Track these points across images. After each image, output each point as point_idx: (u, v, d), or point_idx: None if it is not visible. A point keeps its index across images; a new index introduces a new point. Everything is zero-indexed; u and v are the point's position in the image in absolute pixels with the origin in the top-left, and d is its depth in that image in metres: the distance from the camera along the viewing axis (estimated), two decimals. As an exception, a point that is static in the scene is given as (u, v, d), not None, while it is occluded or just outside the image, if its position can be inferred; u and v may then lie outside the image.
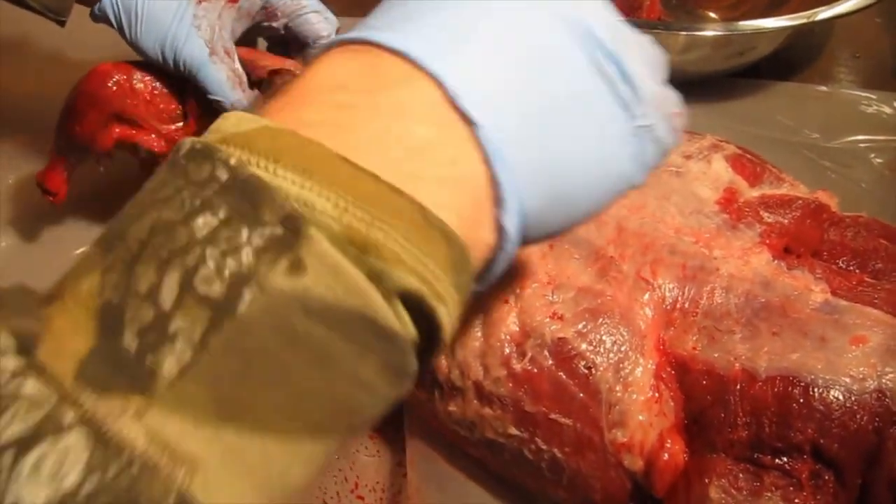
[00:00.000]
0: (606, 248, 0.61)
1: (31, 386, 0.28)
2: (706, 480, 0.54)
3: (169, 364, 0.29)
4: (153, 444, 0.28)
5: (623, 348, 0.57)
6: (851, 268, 0.63)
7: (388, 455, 0.72)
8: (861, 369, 0.53)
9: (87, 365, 0.29)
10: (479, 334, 0.60)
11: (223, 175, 0.31)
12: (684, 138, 0.69)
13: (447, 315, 0.32)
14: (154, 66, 0.77)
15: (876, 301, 0.57)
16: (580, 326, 0.58)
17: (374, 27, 0.37)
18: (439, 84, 0.34)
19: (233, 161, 0.31)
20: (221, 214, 0.30)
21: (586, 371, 0.57)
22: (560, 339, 0.58)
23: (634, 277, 0.60)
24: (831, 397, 0.53)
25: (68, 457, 0.27)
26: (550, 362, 0.58)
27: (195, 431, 0.28)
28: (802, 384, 0.53)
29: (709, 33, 0.97)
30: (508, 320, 0.60)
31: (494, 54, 0.36)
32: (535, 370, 0.58)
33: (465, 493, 0.66)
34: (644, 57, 0.42)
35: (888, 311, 0.56)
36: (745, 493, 0.54)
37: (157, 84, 0.78)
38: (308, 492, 0.69)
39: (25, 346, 0.29)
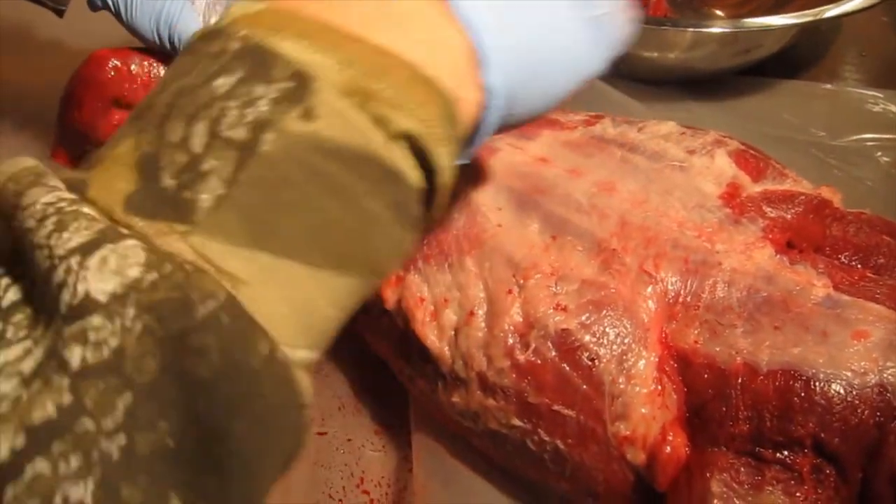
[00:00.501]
0: (610, 240, 0.61)
1: (87, 209, 0.32)
2: (707, 474, 0.54)
3: (205, 197, 0.32)
4: (199, 259, 0.32)
5: (626, 340, 0.58)
6: (854, 263, 0.63)
7: (394, 450, 0.73)
8: (862, 364, 0.53)
9: (133, 200, 0.33)
10: (483, 325, 0.61)
11: (235, 45, 0.35)
12: (688, 133, 0.69)
13: (446, 157, 0.37)
14: (152, 50, 0.77)
15: (878, 296, 0.57)
16: (584, 318, 0.58)
17: None
18: None
19: (242, 33, 0.35)
20: (238, 75, 0.34)
21: (590, 363, 0.57)
22: (563, 330, 0.58)
23: (637, 270, 0.60)
24: (833, 391, 0.53)
25: (128, 258, 0.30)
26: (554, 353, 0.58)
27: (234, 252, 0.32)
28: (804, 378, 0.54)
29: (715, 30, 0.97)
30: (512, 311, 0.60)
31: None
32: (539, 361, 0.58)
33: (470, 489, 0.66)
34: None
35: (890, 306, 0.56)
36: (746, 486, 0.54)
37: (156, 68, 0.78)
38: (313, 484, 0.70)
39: (75, 187, 0.33)
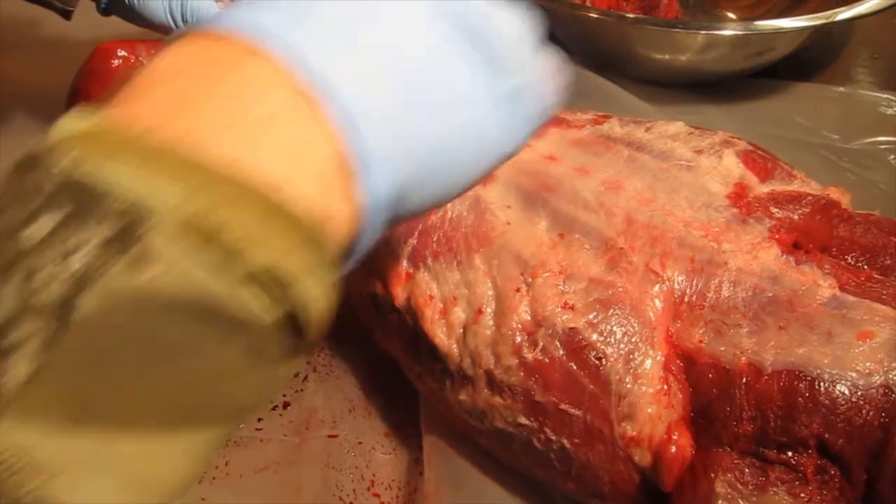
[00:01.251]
0: (617, 239, 0.61)
1: None
2: (712, 475, 0.54)
3: (14, 374, 0.27)
4: (10, 451, 0.27)
5: (633, 339, 0.58)
6: (860, 264, 0.63)
7: (405, 453, 0.73)
8: (868, 364, 0.53)
9: None
10: (491, 323, 0.61)
11: (55, 178, 0.29)
12: (696, 134, 0.69)
13: (313, 287, 0.32)
14: (163, 38, 0.78)
15: (884, 297, 0.57)
16: (591, 317, 0.59)
17: (229, 9, 0.36)
18: (286, 58, 0.33)
19: (65, 162, 0.29)
20: (58, 217, 0.28)
21: (597, 362, 0.58)
22: (571, 329, 0.58)
23: (644, 269, 0.60)
24: (837, 392, 0.53)
25: None
26: (561, 352, 0.58)
27: (50, 439, 0.28)
28: (808, 379, 0.54)
29: (728, 33, 0.97)
30: (520, 309, 0.60)
31: (347, 30, 0.36)
32: (546, 360, 0.59)
33: (482, 492, 0.66)
34: (511, 23, 0.42)
35: (896, 306, 0.56)
36: (750, 487, 0.54)
37: None
38: (324, 486, 0.70)
39: None
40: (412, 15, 0.38)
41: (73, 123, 0.31)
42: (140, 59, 0.77)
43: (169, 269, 0.28)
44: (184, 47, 0.34)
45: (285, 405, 0.77)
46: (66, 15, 0.79)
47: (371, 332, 0.74)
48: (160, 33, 0.78)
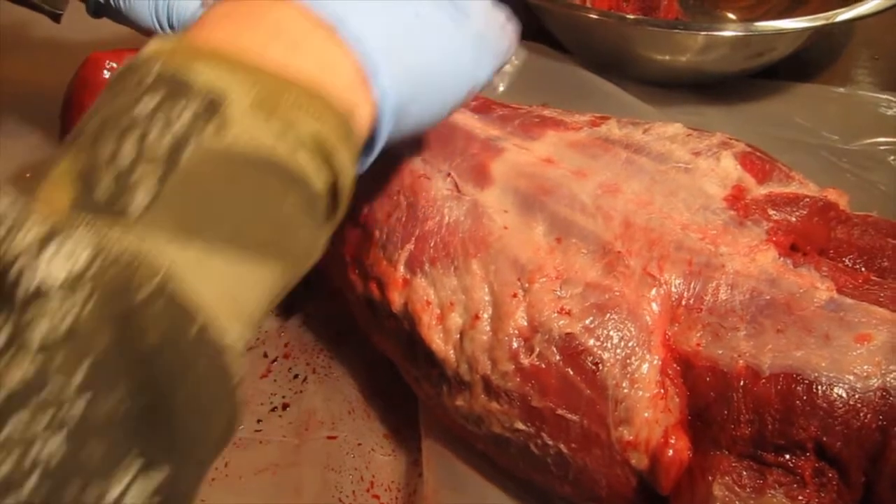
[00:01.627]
0: (614, 243, 0.61)
1: (37, 212, 0.35)
2: (710, 478, 0.54)
3: (140, 198, 0.36)
4: (139, 248, 0.35)
5: (630, 344, 0.58)
6: (858, 266, 0.62)
7: (404, 455, 0.73)
8: (865, 367, 0.53)
9: (76, 204, 0.36)
10: (488, 328, 0.61)
11: (152, 77, 0.39)
12: (694, 135, 0.69)
13: (345, 161, 0.43)
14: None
15: (882, 299, 0.57)
16: (588, 322, 0.58)
17: None
18: (306, 3, 0.44)
19: (157, 67, 0.40)
20: (158, 98, 0.39)
21: (593, 367, 0.57)
22: (568, 334, 0.58)
23: (641, 273, 0.60)
24: (835, 395, 0.53)
25: (78, 246, 0.34)
26: (558, 357, 0.58)
27: (169, 243, 0.36)
28: (806, 381, 0.53)
29: (728, 34, 0.97)
30: (517, 315, 0.60)
31: None
32: (543, 365, 0.59)
33: (481, 494, 0.66)
34: None
35: (894, 309, 0.56)
36: (748, 490, 0.54)
37: None
38: (323, 487, 0.70)
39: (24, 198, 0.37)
40: None
41: (159, 44, 0.41)
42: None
43: (243, 133, 0.39)
44: None
45: (284, 406, 0.77)
46: (56, 18, 0.79)
47: (368, 336, 0.74)
48: (148, 36, 0.79)
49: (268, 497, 0.71)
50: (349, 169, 0.43)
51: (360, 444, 0.74)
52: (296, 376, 0.80)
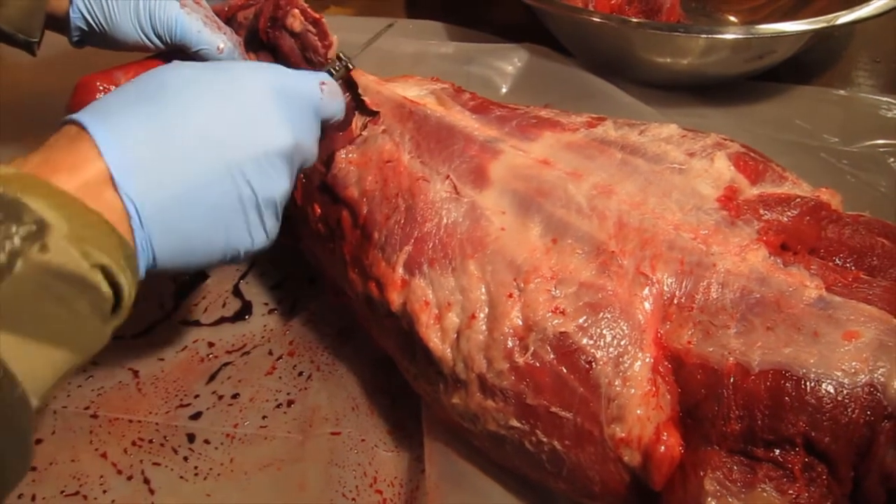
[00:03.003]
0: (608, 243, 0.62)
1: None
2: (701, 473, 0.55)
3: None
4: None
5: (622, 343, 0.59)
6: (848, 265, 0.63)
7: (407, 451, 0.74)
8: (853, 364, 0.54)
9: None
10: (484, 328, 0.62)
11: None
12: (689, 136, 0.70)
13: (126, 281, 0.52)
14: (138, 54, 0.79)
15: (870, 297, 0.58)
16: (581, 321, 0.59)
17: (93, 103, 0.60)
18: (98, 145, 0.55)
19: (1, 186, 0.48)
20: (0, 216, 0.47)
21: (587, 365, 0.58)
22: (562, 333, 0.59)
23: (634, 272, 0.61)
24: (823, 391, 0.54)
25: None
26: (552, 356, 0.59)
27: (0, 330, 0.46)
28: (795, 378, 0.54)
29: (729, 36, 0.97)
30: (512, 314, 0.61)
31: (154, 138, 0.57)
32: (537, 364, 0.59)
33: (482, 490, 0.67)
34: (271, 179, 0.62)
35: (882, 306, 0.57)
36: (739, 484, 0.55)
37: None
38: (327, 482, 0.71)
39: None
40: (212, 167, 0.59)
41: (2, 170, 0.50)
42: (120, 84, 0.77)
43: (58, 255, 0.48)
44: (60, 128, 0.56)
45: (289, 403, 0.78)
46: (30, 49, 0.78)
47: (368, 332, 0.75)
48: (138, 51, 0.78)
49: (272, 492, 0.72)
50: (130, 280, 0.53)
51: (363, 441, 0.75)
52: (300, 374, 0.81)
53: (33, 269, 0.47)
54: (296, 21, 0.80)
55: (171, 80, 0.60)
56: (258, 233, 0.62)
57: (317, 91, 0.67)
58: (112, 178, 0.55)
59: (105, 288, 0.51)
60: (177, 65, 0.62)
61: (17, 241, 0.47)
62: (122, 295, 0.53)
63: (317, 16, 0.80)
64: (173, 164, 0.57)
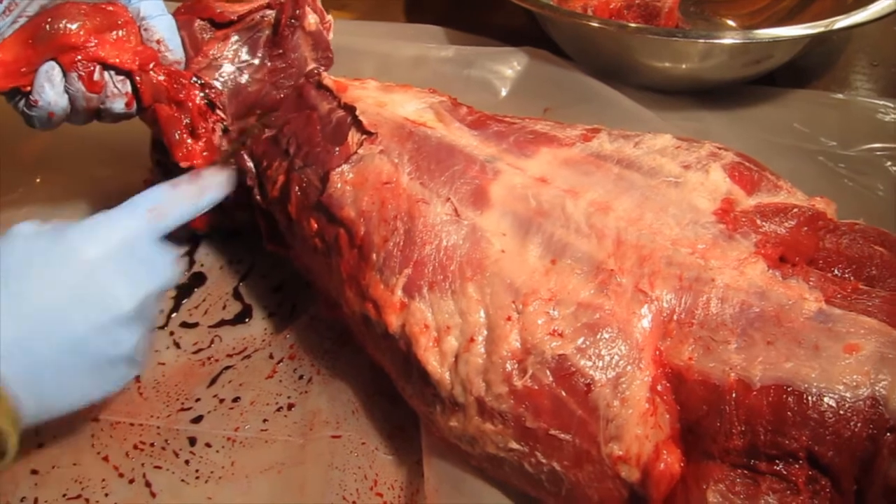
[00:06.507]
0: (607, 261, 0.62)
1: None
2: (704, 486, 0.55)
3: None
4: None
5: (620, 363, 0.59)
6: (847, 275, 0.63)
7: (407, 454, 0.74)
8: (854, 377, 0.54)
9: None
10: (483, 351, 0.62)
11: None
12: (683, 147, 0.70)
13: (10, 441, 0.58)
14: None
15: (870, 309, 0.57)
16: (580, 342, 0.59)
17: None
18: None
19: None
20: None
21: (585, 388, 0.58)
22: (560, 355, 0.59)
23: (633, 290, 0.61)
24: (825, 405, 0.54)
25: None
26: (550, 379, 0.59)
27: None
28: (796, 393, 0.54)
29: (727, 41, 0.98)
30: (510, 338, 0.61)
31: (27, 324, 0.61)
32: (536, 387, 0.59)
33: (481, 493, 0.67)
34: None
35: (882, 318, 0.57)
36: (742, 497, 0.55)
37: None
38: (327, 485, 0.71)
39: None
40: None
41: None
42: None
43: None
44: None
45: (290, 406, 0.78)
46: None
47: (364, 347, 0.75)
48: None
49: (273, 495, 0.72)
50: (12, 442, 0.58)
51: (363, 444, 0.75)
52: (301, 377, 0.81)
53: None
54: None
55: (4, 260, 0.62)
56: (116, 381, 0.67)
57: (143, 223, 0.69)
58: None
59: None
60: (12, 236, 0.64)
61: None
62: (6, 451, 0.58)
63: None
64: (23, 343, 0.60)
